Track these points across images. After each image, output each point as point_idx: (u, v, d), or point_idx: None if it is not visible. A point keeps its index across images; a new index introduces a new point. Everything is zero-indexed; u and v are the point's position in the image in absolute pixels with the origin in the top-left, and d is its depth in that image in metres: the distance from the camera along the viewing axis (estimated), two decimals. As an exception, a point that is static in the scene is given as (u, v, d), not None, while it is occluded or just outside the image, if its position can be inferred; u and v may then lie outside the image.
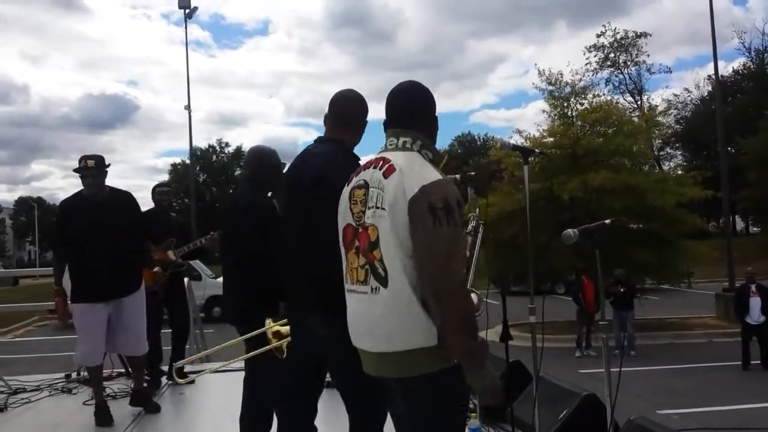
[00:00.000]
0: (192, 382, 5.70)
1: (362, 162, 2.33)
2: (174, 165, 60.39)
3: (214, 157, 61.11)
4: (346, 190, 2.24)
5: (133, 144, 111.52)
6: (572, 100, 18.35)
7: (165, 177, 55.68)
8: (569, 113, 18.17)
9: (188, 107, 24.89)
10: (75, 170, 4.61)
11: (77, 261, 4.60)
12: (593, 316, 12.93)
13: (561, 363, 10.99)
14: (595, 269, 2.93)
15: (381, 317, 2.05)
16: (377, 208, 2.07)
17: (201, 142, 62.39)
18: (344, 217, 2.23)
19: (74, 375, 5.98)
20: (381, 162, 2.15)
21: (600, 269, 2.84)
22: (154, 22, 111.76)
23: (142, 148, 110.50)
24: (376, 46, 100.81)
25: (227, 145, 62.71)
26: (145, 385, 5.41)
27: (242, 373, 3.60)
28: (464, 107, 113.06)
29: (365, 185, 2.15)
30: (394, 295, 2.02)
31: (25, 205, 73.60)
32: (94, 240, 4.54)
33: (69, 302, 4.71)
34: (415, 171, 2.06)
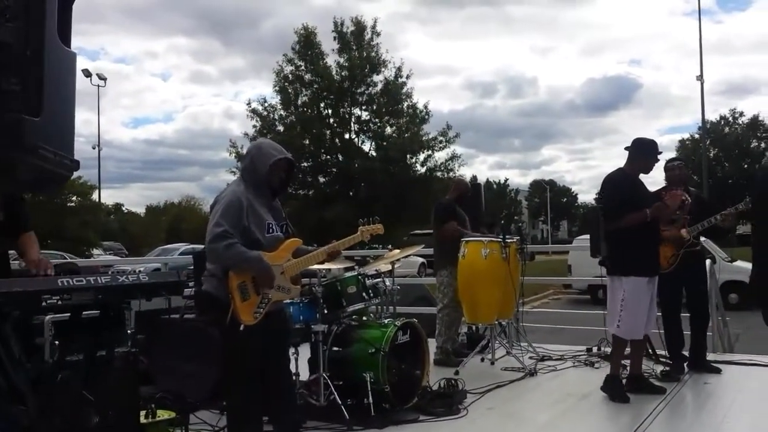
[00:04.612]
0: (718, 371, 5.31)
1: None
2: (682, 141, 57.81)
3: (726, 129, 56.29)
4: None
5: (635, 123, 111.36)
6: None
7: (672, 154, 53.62)
8: None
9: (700, 77, 23.43)
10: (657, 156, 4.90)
11: (640, 234, 4.67)
12: None
13: None
14: None
15: None
16: None
17: (709, 114, 58.44)
18: None
19: (595, 349, 6.16)
20: None
21: None
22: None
23: (645, 126, 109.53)
24: None
25: (741, 114, 57.00)
26: (665, 369, 5.27)
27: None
28: None
29: None
30: None
31: (538, 187, 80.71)
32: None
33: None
34: None
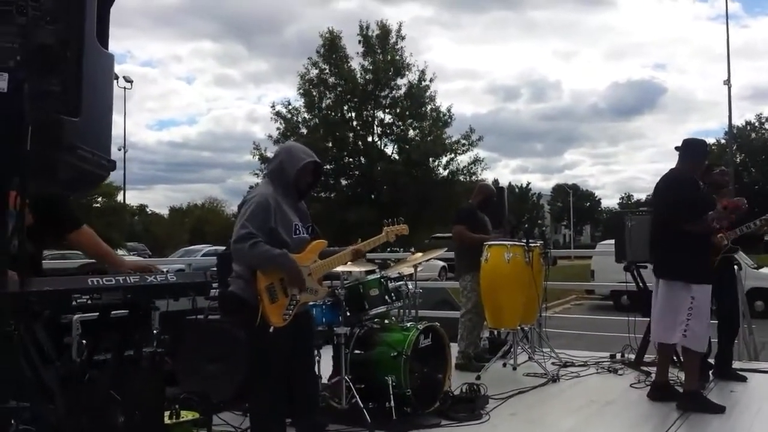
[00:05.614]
0: (744, 380, 5.23)
1: None
2: (708, 146, 57.30)
3: (753, 134, 55.50)
4: None
5: (661, 128, 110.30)
6: None
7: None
8: None
9: (728, 82, 23.16)
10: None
11: (706, 239, 4.63)
12: None
13: None
14: None
15: None
16: None
17: (735, 119, 57.66)
18: None
19: (618, 356, 6.10)
20: None
21: None
22: (678, 2, 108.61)
23: (670, 131, 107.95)
24: None
25: (767, 120, 56.22)
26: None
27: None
28: None
29: None
30: None
31: (560, 191, 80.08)
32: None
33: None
34: None
